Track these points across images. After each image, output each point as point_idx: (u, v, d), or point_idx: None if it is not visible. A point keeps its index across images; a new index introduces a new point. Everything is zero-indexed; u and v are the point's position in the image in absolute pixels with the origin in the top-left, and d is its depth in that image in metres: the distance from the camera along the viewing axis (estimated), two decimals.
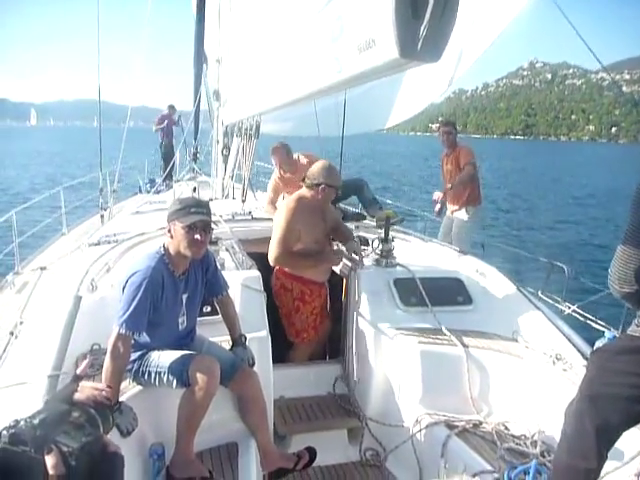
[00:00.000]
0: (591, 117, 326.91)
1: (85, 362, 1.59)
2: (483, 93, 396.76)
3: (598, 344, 2.33)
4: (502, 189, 25.69)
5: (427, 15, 1.19)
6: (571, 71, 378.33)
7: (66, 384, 1.50)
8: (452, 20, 1.23)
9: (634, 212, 1.70)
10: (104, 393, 1.49)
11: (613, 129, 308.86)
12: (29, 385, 2.14)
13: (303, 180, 3.43)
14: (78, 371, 1.53)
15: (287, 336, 3.55)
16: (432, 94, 4.21)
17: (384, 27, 1.34)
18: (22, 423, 1.23)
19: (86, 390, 1.44)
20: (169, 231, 2.34)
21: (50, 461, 1.23)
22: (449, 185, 5.42)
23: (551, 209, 21.07)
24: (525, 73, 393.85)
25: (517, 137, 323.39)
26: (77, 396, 1.40)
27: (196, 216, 2.28)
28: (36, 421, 1.24)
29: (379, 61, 1.45)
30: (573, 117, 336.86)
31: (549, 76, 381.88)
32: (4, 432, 1.20)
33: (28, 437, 1.19)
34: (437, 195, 5.63)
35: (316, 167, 3.40)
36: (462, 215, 5.48)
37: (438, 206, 5.69)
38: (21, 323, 2.75)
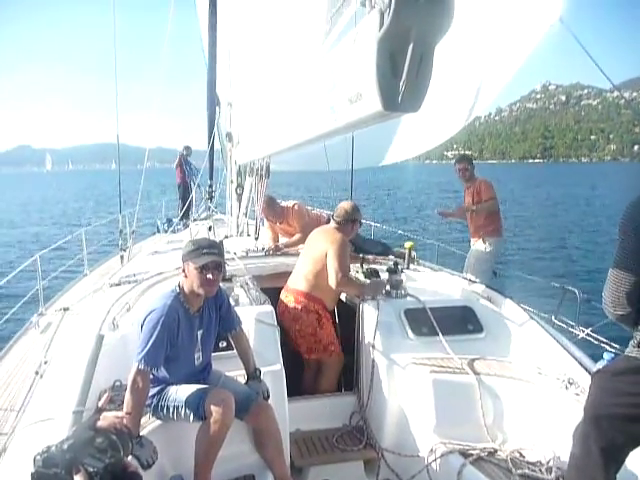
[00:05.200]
0: (611, 136, 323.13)
1: (105, 396, 1.73)
2: (497, 118, 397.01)
3: (598, 365, 2.35)
4: (514, 213, 25.38)
5: (404, 73, 1.33)
6: (585, 91, 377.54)
7: (90, 415, 1.64)
8: (428, 76, 1.37)
9: (622, 237, 1.77)
10: (124, 421, 1.62)
11: (635, 147, 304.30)
12: (55, 421, 2.24)
13: (334, 220, 3.72)
14: (99, 404, 1.67)
15: (311, 359, 3.61)
16: (450, 129, 3.99)
17: (368, 83, 1.49)
18: (53, 448, 1.39)
19: (108, 418, 1.57)
20: (183, 271, 2.48)
21: None
22: (473, 207, 5.60)
23: (564, 232, 20.78)
24: (538, 96, 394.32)
25: (536, 160, 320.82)
26: (100, 424, 1.53)
27: (208, 257, 2.41)
28: (65, 446, 1.39)
29: (366, 112, 1.60)
30: (592, 137, 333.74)
31: (563, 98, 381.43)
32: (38, 457, 1.38)
33: (59, 460, 1.36)
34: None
35: (348, 206, 3.74)
36: (480, 247, 5.55)
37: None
38: (45, 362, 2.86)
